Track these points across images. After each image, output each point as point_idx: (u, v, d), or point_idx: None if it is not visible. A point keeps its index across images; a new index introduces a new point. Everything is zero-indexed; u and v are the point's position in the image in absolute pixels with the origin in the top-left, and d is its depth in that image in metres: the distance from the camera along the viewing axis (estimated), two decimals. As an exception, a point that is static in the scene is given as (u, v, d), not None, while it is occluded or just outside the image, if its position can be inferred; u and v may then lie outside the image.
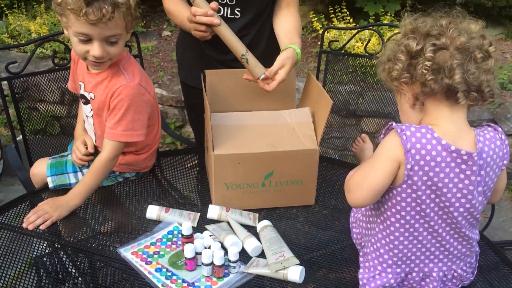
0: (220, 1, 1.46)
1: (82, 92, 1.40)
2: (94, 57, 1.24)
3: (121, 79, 1.32)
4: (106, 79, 1.33)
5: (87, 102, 1.40)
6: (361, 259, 1.15)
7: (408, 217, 1.00)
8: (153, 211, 1.33)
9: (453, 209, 0.98)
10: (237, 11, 1.49)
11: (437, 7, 0.99)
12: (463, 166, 0.94)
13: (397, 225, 1.02)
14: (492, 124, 1.01)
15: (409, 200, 0.98)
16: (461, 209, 0.98)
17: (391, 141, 0.96)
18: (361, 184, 1.01)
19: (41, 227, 1.27)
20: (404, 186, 0.96)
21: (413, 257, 1.04)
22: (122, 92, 1.31)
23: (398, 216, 1.01)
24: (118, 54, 1.30)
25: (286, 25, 1.51)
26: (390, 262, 1.06)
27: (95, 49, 1.22)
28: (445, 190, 0.96)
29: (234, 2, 1.47)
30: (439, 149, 0.93)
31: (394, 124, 0.97)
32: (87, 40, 1.22)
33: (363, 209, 1.17)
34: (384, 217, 1.04)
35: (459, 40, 0.91)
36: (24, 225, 1.28)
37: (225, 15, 1.50)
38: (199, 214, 1.33)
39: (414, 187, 0.96)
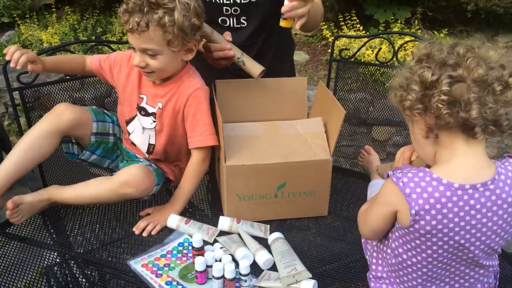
0: (224, 12, 1.47)
1: (143, 104, 1.39)
2: (136, 66, 1.30)
3: (194, 82, 1.36)
4: (176, 86, 1.36)
5: (147, 114, 1.39)
6: (370, 276, 1.13)
7: (419, 257, 0.97)
8: (173, 220, 1.32)
9: (469, 245, 0.93)
10: (243, 19, 1.48)
11: (455, 32, 0.96)
12: (472, 202, 0.90)
13: (409, 262, 0.99)
14: None
15: (418, 242, 0.95)
16: (478, 243, 0.94)
17: (387, 186, 0.97)
18: (365, 225, 1.07)
19: (153, 233, 1.33)
20: (412, 229, 0.93)
21: None
22: (199, 95, 1.35)
23: (410, 254, 0.98)
24: (162, 69, 1.30)
25: None
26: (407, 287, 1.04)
27: (134, 58, 1.29)
28: (457, 229, 0.91)
29: (238, 12, 1.46)
30: (441, 189, 0.89)
31: (390, 172, 0.96)
32: (134, 49, 1.28)
33: None
34: (396, 253, 1.02)
35: (477, 72, 0.86)
36: (136, 232, 1.33)
37: (231, 25, 1.49)
38: (218, 230, 1.31)
39: (421, 231, 0.92)
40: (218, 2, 1.44)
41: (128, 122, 1.45)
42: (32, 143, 1.32)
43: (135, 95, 1.40)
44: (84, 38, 3.46)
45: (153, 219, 1.35)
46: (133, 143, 1.47)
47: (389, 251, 1.05)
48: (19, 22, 3.82)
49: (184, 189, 1.40)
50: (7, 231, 1.33)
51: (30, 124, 1.73)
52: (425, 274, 0.99)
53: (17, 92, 1.66)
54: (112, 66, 1.43)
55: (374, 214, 1.01)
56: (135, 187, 1.30)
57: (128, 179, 1.30)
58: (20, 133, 1.77)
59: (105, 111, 1.51)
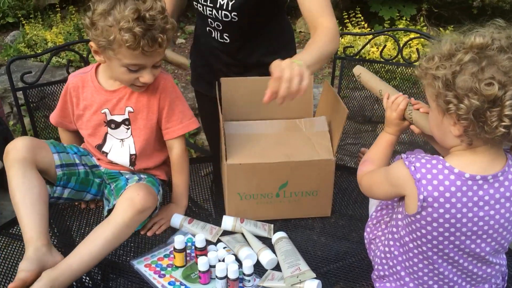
0: (209, 24, 1.47)
1: (109, 118, 1.33)
2: (145, 83, 1.25)
3: (159, 75, 1.32)
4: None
5: (118, 125, 1.34)
6: (376, 279, 1.12)
7: (424, 248, 0.96)
8: (176, 220, 1.32)
9: (475, 237, 0.92)
10: (226, 36, 1.49)
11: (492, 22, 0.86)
12: (480, 193, 0.88)
13: (415, 251, 0.98)
14: None
15: (424, 231, 0.93)
16: (485, 236, 0.92)
17: (398, 169, 0.95)
18: (369, 192, 1.09)
19: (157, 232, 1.32)
20: (418, 216, 0.92)
21: (435, 286, 1.00)
22: (168, 85, 1.33)
23: (415, 243, 0.97)
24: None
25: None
26: (411, 285, 1.03)
27: (146, 76, 1.22)
28: (464, 220, 0.90)
29: (221, 28, 1.46)
30: (452, 178, 0.88)
31: (403, 155, 0.94)
32: (138, 69, 1.21)
33: (383, 226, 1.14)
34: (402, 242, 1.01)
35: None
36: (142, 232, 1.31)
37: (216, 38, 1.50)
38: (222, 230, 1.31)
39: (428, 219, 0.91)
40: (203, 13, 1.44)
41: (101, 146, 1.37)
42: (23, 191, 1.16)
43: (98, 115, 1.34)
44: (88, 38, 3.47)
45: (158, 219, 1.34)
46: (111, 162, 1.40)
47: (392, 243, 1.04)
48: (24, 22, 3.84)
49: (180, 185, 1.39)
50: (10, 231, 1.33)
51: (34, 124, 1.73)
52: (431, 268, 0.98)
53: (21, 92, 1.66)
54: (70, 102, 1.38)
55: (381, 190, 1.02)
56: (144, 199, 1.19)
57: (133, 196, 1.19)
58: (24, 133, 1.77)
59: (64, 144, 1.41)
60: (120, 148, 1.37)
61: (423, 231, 0.93)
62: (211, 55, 1.58)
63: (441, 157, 0.91)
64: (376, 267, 1.11)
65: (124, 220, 1.16)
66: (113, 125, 1.34)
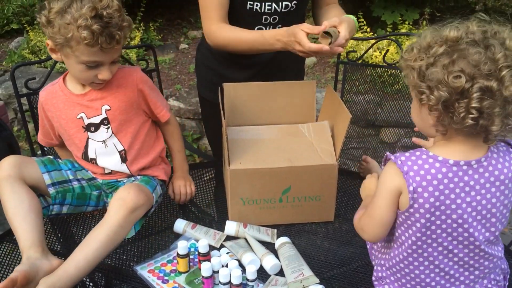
0: (263, 21, 1.49)
1: (87, 122, 1.32)
2: (103, 80, 1.27)
3: (127, 70, 1.37)
4: (115, 81, 1.33)
5: (97, 127, 1.33)
6: (375, 282, 1.11)
7: (419, 242, 0.96)
8: (180, 225, 1.32)
9: (467, 226, 0.93)
10: (278, 28, 1.50)
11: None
12: (466, 178, 0.91)
13: (414, 247, 0.98)
14: (507, 139, 0.96)
15: (418, 225, 0.94)
16: (475, 224, 0.93)
17: (387, 171, 0.96)
18: (371, 224, 1.02)
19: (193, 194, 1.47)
20: (412, 210, 0.93)
21: (433, 283, 1.00)
22: (140, 75, 1.38)
23: (410, 241, 0.98)
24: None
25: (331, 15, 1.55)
26: (409, 286, 1.02)
27: (105, 73, 1.25)
28: (453, 206, 0.92)
29: (277, 21, 1.49)
30: (437, 166, 0.90)
31: (388, 153, 0.96)
32: (96, 65, 1.24)
33: None
34: (399, 242, 1.01)
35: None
36: (178, 198, 1.45)
37: None
38: (225, 235, 1.31)
39: (421, 210, 0.92)
40: (259, 10, 1.46)
41: (85, 154, 1.36)
42: (14, 205, 1.18)
43: (74, 122, 1.33)
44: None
45: (184, 182, 1.45)
46: (105, 171, 1.38)
47: (392, 243, 1.05)
48: (28, 28, 3.86)
49: (182, 151, 1.51)
50: (14, 237, 1.33)
51: (37, 130, 1.74)
52: (427, 262, 0.98)
53: (25, 98, 1.67)
54: (46, 118, 1.39)
55: (382, 206, 0.97)
56: (135, 196, 1.18)
57: (124, 196, 1.18)
58: (28, 139, 1.79)
59: (59, 160, 1.40)
60: (105, 149, 1.35)
61: (418, 224, 0.95)
62: (224, 64, 1.59)
63: (423, 149, 0.94)
64: (375, 268, 1.12)
65: (118, 220, 1.15)
66: (92, 128, 1.33)
